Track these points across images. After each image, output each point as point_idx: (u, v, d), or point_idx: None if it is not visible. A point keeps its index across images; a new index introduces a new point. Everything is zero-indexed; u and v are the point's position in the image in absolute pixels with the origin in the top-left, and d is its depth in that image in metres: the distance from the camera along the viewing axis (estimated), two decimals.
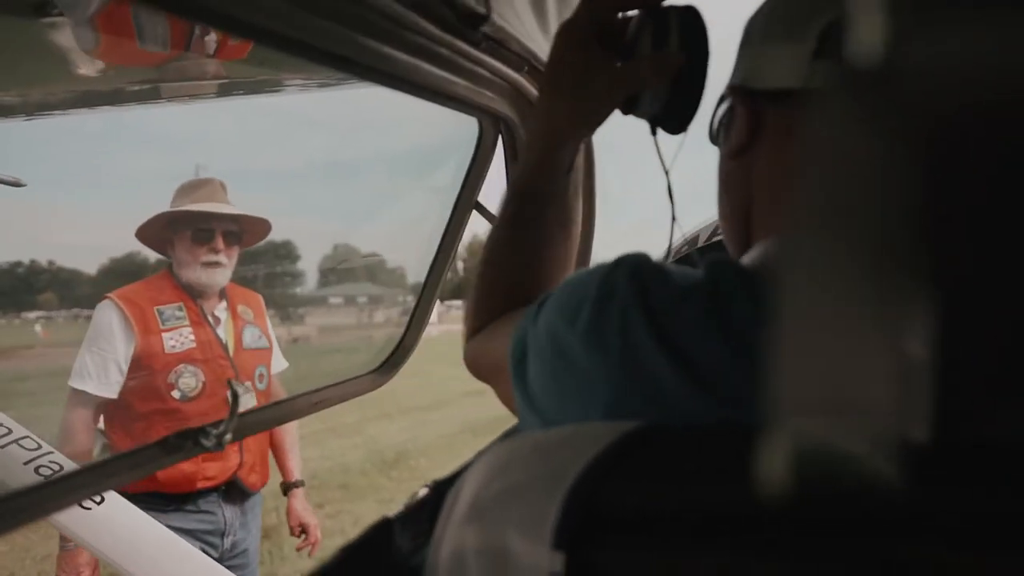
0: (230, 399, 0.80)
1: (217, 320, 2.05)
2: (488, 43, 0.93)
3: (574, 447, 0.40)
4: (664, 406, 0.43)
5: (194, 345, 1.94)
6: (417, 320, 1.21)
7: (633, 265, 0.48)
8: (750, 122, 0.58)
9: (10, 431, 1.56)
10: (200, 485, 1.94)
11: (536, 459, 0.42)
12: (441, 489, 0.67)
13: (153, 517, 1.76)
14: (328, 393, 1.03)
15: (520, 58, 1.01)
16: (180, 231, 1.98)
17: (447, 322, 18.68)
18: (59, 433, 1.88)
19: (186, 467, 1.88)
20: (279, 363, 2.23)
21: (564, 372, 0.49)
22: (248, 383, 2.01)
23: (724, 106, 0.63)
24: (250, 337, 2.11)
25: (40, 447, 1.58)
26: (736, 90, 0.60)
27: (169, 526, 1.79)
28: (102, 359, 1.90)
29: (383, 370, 1.18)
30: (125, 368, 1.89)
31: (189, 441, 0.80)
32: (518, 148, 1.14)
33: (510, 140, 1.14)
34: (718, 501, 0.36)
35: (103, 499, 1.54)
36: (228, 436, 0.82)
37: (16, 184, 1.69)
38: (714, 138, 0.66)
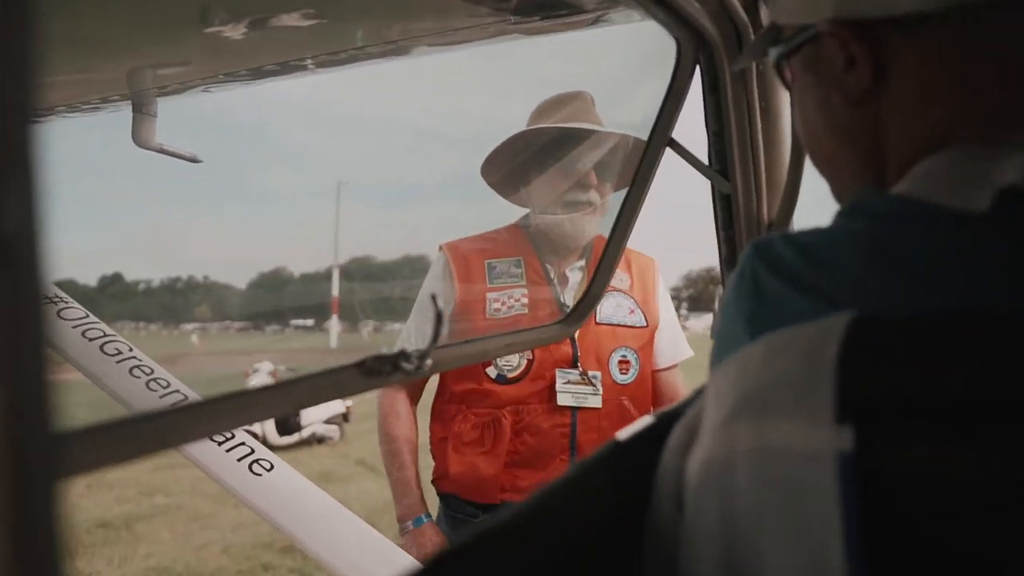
0: (434, 320, 0.73)
1: (565, 281, 1.61)
2: None
3: (808, 339, 0.41)
4: None
5: (525, 311, 1.54)
6: (604, 268, 1.12)
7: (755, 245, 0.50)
8: (873, 62, 0.50)
9: (185, 396, 1.59)
10: (504, 497, 1.53)
11: (774, 358, 0.42)
12: (665, 417, 0.60)
13: (443, 528, 1.58)
14: (521, 337, 0.97)
15: None
16: (535, 161, 1.56)
17: None
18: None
19: (486, 468, 1.52)
20: (672, 350, 1.70)
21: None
22: (594, 372, 1.54)
23: (798, 40, 0.55)
24: (612, 308, 1.59)
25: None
26: (837, 24, 0.51)
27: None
28: (421, 321, 1.57)
29: (571, 320, 1.10)
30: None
31: (388, 364, 0.74)
32: (719, 76, 1.02)
33: (710, 67, 1.03)
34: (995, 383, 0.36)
35: (272, 466, 1.53)
36: (429, 362, 0.75)
37: (193, 160, 1.73)
38: (787, 82, 0.61)
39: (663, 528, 0.52)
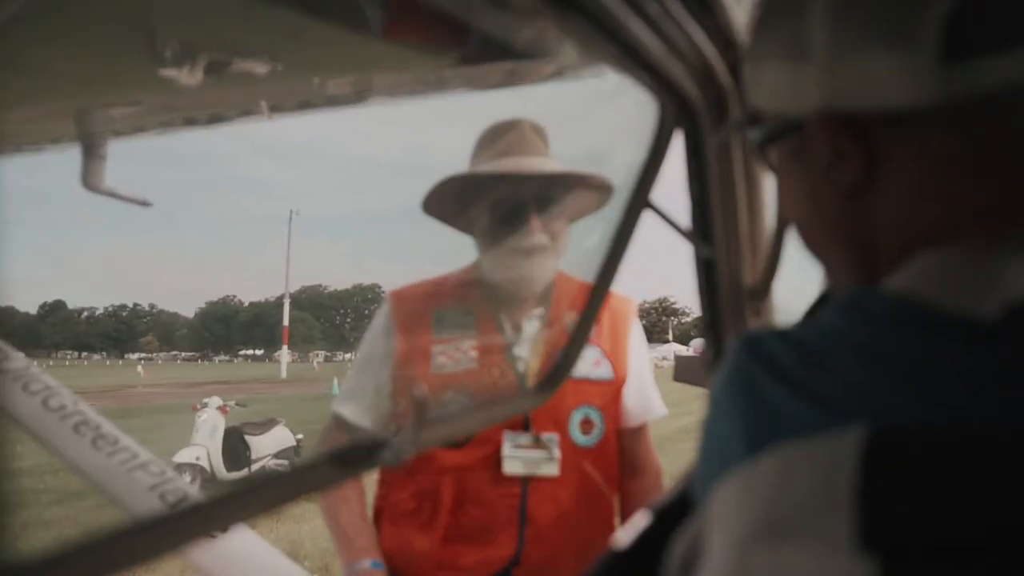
0: (414, 406, 0.68)
1: (519, 331, 1.42)
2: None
3: (822, 456, 0.38)
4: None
5: (473, 365, 1.36)
6: (579, 336, 1.08)
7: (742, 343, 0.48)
8: (863, 157, 0.48)
9: (136, 455, 1.51)
10: None
11: (789, 477, 0.39)
12: (663, 515, 0.57)
13: None
14: (496, 410, 0.93)
15: (719, 28, 0.88)
16: (470, 206, 1.40)
17: None
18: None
19: (421, 543, 1.34)
20: (642, 407, 1.48)
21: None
22: (549, 435, 1.34)
23: (780, 129, 0.54)
24: None
25: (164, 473, 1.51)
26: (824, 117, 0.49)
27: None
28: (362, 376, 1.42)
29: (544, 386, 1.06)
30: (386, 388, 1.37)
31: (364, 452, 0.69)
32: (701, 140, 1.01)
33: (692, 131, 1.01)
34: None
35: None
36: (409, 447, 0.70)
37: (144, 204, 1.67)
38: (772, 164, 0.59)
39: None
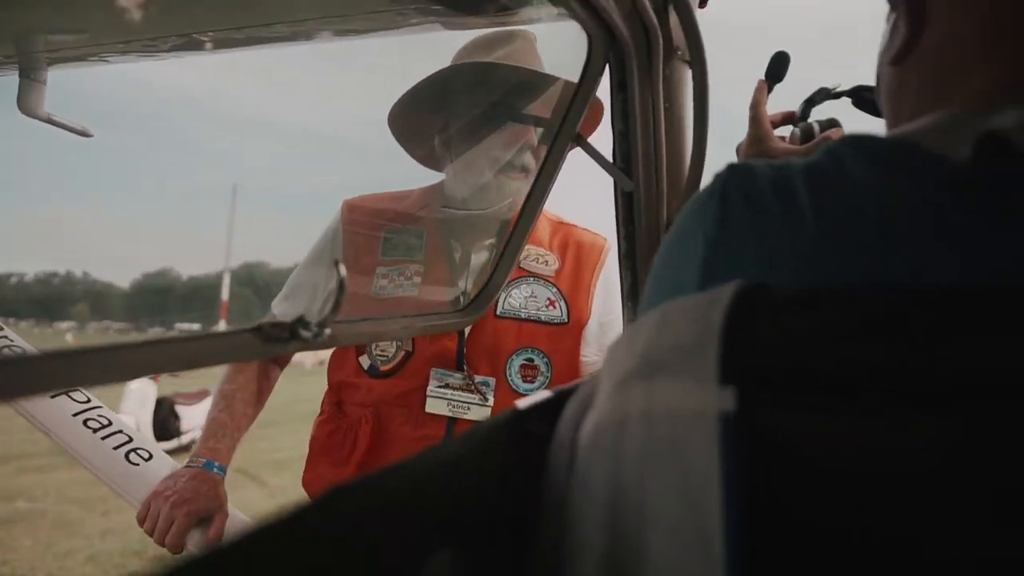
0: (336, 287, 0.71)
1: (467, 262, 1.34)
2: None
3: (701, 305, 0.41)
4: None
5: (415, 291, 1.28)
6: (505, 261, 1.12)
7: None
8: (911, 20, 0.51)
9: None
10: None
11: (667, 325, 0.43)
12: (564, 393, 0.61)
13: None
14: (417, 322, 0.95)
15: None
16: (462, 108, 1.30)
17: None
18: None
19: (333, 480, 1.23)
20: (599, 353, 1.36)
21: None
22: (484, 378, 1.28)
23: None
24: (521, 299, 1.32)
25: (89, 400, 1.51)
26: None
27: None
28: (301, 277, 1.37)
29: (470, 310, 1.10)
30: (322, 290, 1.30)
31: (286, 332, 0.72)
32: (627, 76, 1.05)
33: (619, 67, 1.06)
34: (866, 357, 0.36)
35: (151, 456, 1.45)
36: (328, 331, 0.73)
37: (84, 134, 1.64)
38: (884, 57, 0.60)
39: (556, 498, 0.52)
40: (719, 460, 0.37)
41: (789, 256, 0.43)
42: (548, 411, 0.58)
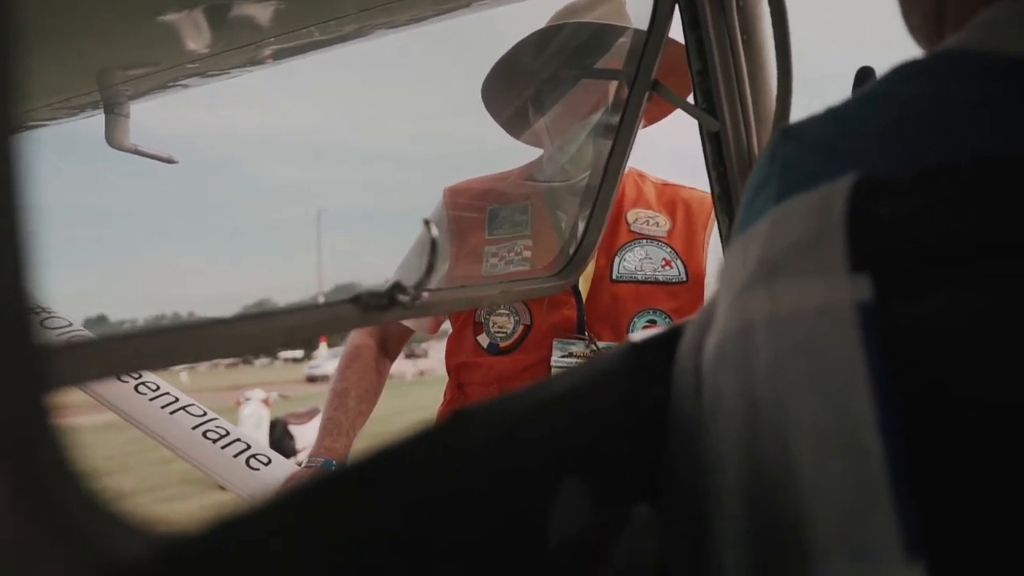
0: (429, 250, 0.70)
1: (572, 227, 1.29)
2: None
3: (815, 202, 0.39)
4: None
5: (527, 266, 1.26)
6: (595, 221, 1.09)
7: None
8: None
9: (177, 399, 1.56)
10: None
11: (779, 227, 0.40)
12: (681, 327, 0.58)
13: None
14: (517, 287, 0.95)
15: None
16: (555, 75, 1.27)
17: None
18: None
19: None
20: None
21: None
22: (606, 343, 1.25)
23: None
24: (637, 261, 1.29)
25: (206, 413, 1.56)
26: None
27: None
28: (412, 258, 1.36)
29: (565, 273, 1.08)
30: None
31: (384, 299, 0.71)
32: (699, 11, 1.01)
33: (689, 4, 1.02)
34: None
35: (270, 460, 1.49)
36: (426, 295, 0.72)
37: (169, 161, 1.70)
38: None
39: (683, 424, 0.50)
40: (863, 354, 0.35)
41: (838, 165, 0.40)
42: (665, 344, 0.56)
